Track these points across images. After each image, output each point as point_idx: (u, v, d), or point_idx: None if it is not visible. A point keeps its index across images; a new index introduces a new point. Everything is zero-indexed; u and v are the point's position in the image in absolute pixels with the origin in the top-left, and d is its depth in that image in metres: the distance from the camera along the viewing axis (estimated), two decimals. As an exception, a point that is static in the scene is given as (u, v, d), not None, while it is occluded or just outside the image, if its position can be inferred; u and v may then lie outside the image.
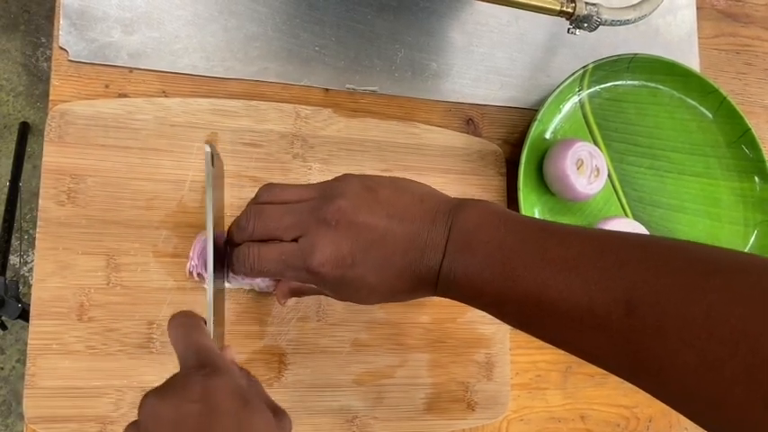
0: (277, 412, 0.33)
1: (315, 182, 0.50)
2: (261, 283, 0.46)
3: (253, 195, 0.48)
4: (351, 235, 0.35)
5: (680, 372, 0.28)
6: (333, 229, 0.35)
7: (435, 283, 0.36)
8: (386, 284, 0.36)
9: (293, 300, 0.48)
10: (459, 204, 0.36)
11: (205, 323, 0.37)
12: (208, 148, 0.39)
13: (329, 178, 0.50)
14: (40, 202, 0.45)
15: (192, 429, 0.29)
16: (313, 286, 0.41)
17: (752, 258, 0.29)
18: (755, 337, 0.25)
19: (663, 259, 0.30)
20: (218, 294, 0.39)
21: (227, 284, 0.44)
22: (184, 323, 0.36)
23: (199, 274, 0.44)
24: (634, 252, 0.31)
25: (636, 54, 0.56)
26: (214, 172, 0.40)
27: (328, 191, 0.37)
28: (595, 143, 0.58)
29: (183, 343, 0.34)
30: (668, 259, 0.30)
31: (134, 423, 0.31)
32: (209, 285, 0.38)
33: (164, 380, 0.44)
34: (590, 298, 0.30)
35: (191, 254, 0.44)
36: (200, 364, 0.32)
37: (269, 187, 0.39)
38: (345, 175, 0.38)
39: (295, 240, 0.36)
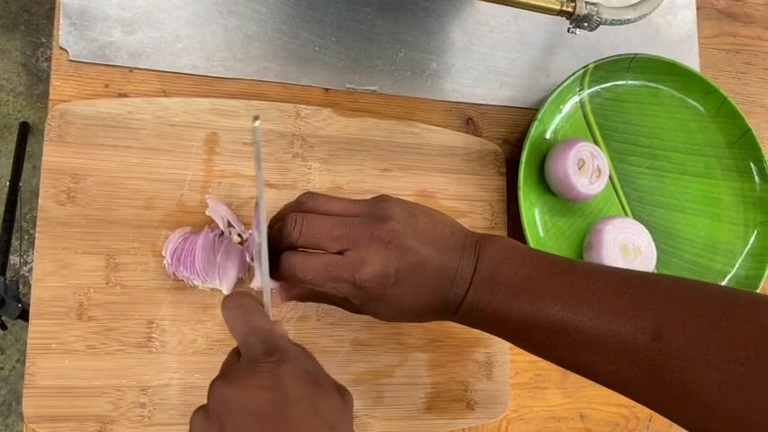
0: (341, 390, 0.33)
1: (316, 182, 0.50)
2: (259, 282, 0.46)
3: (251, 195, 0.49)
4: (398, 255, 0.36)
5: (704, 391, 0.30)
6: (385, 248, 0.36)
7: (456, 309, 0.38)
8: (418, 306, 0.38)
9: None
10: (484, 238, 0.38)
11: (261, 305, 0.36)
12: (258, 123, 0.37)
13: (329, 178, 0.50)
14: (40, 201, 0.45)
15: (267, 417, 0.29)
16: (322, 292, 0.41)
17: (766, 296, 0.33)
18: None
19: (686, 293, 0.33)
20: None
21: (211, 284, 0.44)
22: (242, 305, 0.35)
23: (174, 274, 0.44)
24: (657, 287, 0.34)
25: (636, 54, 0.56)
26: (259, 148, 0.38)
27: (376, 210, 0.38)
28: (596, 143, 0.58)
29: (244, 327, 0.34)
30: (691, 293, 0.33)
31: (202, 409, 0.31)
32: (263, 266, 0.37)
33: (162, 379, 0.45)
34: (617, 326, 0.33)
35: (163, 252, 0.44)
36: (268, 350, 0.32)
37: (312, 196, 0.39)
38: (386, 197, 0.39)
39: (339, 253, 0.37)
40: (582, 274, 0.35)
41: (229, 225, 0.46)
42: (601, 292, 0.34)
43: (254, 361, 0.32)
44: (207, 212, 0.47)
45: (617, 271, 0.36)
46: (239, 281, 0.46)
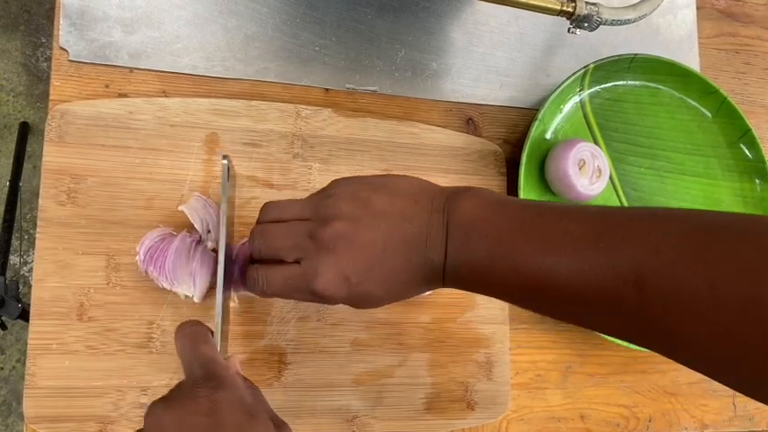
0: (279, 424, 0.34)
1: (316, 182, 0.50)
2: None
3: (252, 195, 0.49)
4: (351, 255, 0.35)
5: (692, 340, 0.28)
6: (332, 253, 0.35)
7: (442, 277, 0.36)
8: (393, 292, 0.37)
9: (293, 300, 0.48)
10: (452, 197, 0.36)
11: (212, 334, 0.38)
12: (225, 161, 0.40)
13: (329, 178, 0.50)
14: (40, 201, 0.45)
15: None
16: None
17: (750, 222, 0.30)
18: (763, 303, 0.26)
19: (662, 232, 0.30)
20: (224, 304, 0.40)
21: (180, 289, 0.45)
22: (192, 333, 0.37)
23: (145, 272, 0.44)
24: (632, 228, 0.31)
25: (636, 54, 0.56)
26: (229, 186, 0.40)
27: (323, 210, 0.37)
28: (596, 143, 0.58)
29: (189, 354, 0.35)
30: (667, 232, 0.30)
31: (139, 431, 0.32)
32: (217, 298, 0.38)
33: (162, 379, 0.45)
34: (598, 280, 0.31)
35: (138, 248, 0.44)
36: (206, 376, 0.33)
37: (268, 207, 0.40)
38: (337, 187, 0.38)
39: (298, 262, 0.37)
40: (554, 225, 0.33)
41: (208, 231, 0.46)
42: (575, 244, 0.32)
43: (192, 386, 0.33)
44: (182, 209, 0.45)
45: (589, 214, 0.33)
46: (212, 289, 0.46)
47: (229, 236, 0.42)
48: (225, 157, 0.41)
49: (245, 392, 0.34)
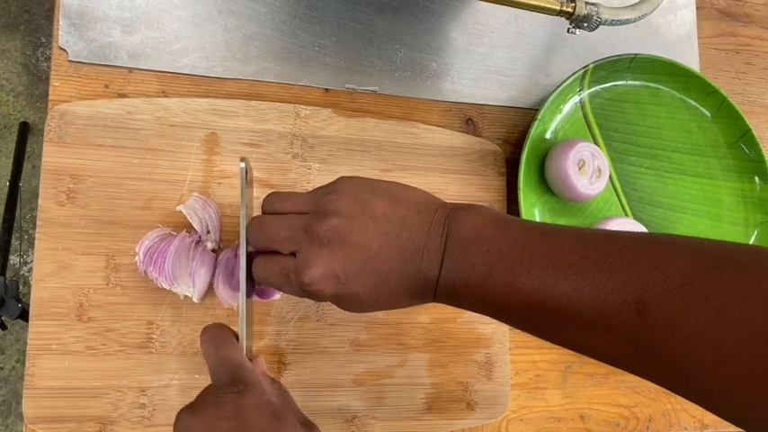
0: (308, 426, 0.34)
1: (315, 182, 0.50)
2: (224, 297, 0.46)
3: (252, 196, 0.49)
4: (343, 255, 0.35)
5: (697, 367, 0.28)
6: (325, 248, 0.35)
7: (434, 292, 0.36)
8: (382, 300, 0.36)
9: (294, 299, 0.48)
10: (454, 212, 0.36)
11: (236, 336, 0.38)
12: (243, 164, 0.40)
13: (329, 178, 0.50)
14: (40, 202, 0.45)
15: None
16: None
17: (758, 252, 0.29)
18: None
19: (670, 257, 0.29)
20: (248, 306, 0.40)
21: (179, 289, 0.45)
22: (216, 336, 0.37)
23: (144, 272, 0.44)
24: (639, 252, 0.30)
25: (636, 54, 0.56)
26: (248, 189, 0.40)
27: (322, 205, 0.36)
28: (596, 143, 0.58)
29: (215, 358, 0.35)
30: (675, 257, 0.29)
31: None
32: (241, 300, 0.38)
33: (162, 380, 0.45)
34: (600, 301, 0.30)
35: (136, 248, 0.44)
36: (232, 381, 0.33)
37: (269, 198, 0.39)
38: (341, 184, 0.38)
39: (293, 254, 0.36)
40: (559, 245, 0.32)
41: (207, 231, 0.46)
42: (579, 264, 0.31)
43: (218, 391, 0.33)
44: (180, 209, 0.45)
45: (596, 235, 0.33)
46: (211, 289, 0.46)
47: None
48: (243, 159, 0.41)
49: (272, 395, 0.34)
